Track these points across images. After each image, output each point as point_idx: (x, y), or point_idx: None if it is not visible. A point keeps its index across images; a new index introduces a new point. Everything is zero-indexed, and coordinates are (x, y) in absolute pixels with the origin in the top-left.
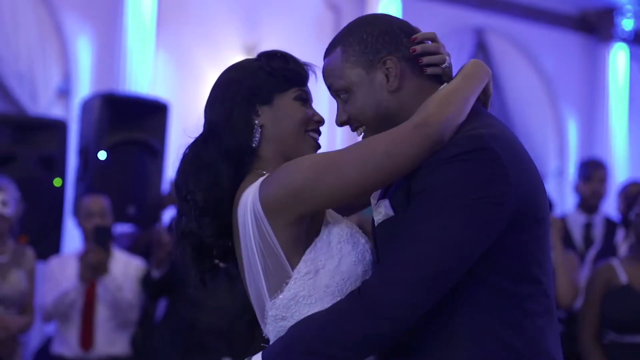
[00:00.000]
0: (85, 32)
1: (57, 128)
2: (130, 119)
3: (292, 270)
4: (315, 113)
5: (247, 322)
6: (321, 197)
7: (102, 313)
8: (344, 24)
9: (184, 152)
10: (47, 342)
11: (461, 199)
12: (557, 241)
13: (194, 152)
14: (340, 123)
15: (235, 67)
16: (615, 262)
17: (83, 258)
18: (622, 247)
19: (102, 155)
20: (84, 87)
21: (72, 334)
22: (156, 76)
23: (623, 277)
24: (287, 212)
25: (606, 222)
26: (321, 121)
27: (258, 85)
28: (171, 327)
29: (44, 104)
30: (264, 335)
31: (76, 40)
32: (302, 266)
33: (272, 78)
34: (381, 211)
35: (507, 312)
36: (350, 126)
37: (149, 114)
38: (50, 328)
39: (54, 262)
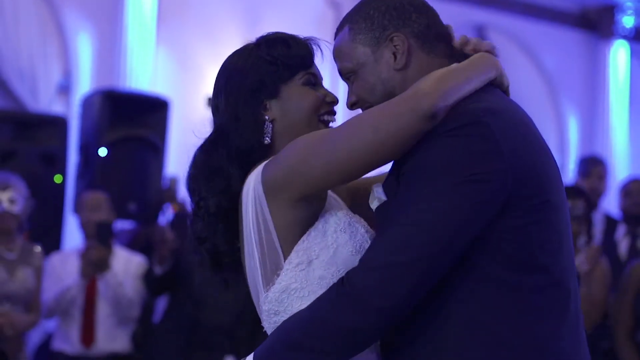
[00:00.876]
0: (86, 29)
1: (58, 125)
2: (131, 116)
3: (284, 260)
4: (327, 93)
5: (250, 319)
6: (313, 176)
7: (103, 310)
8: None
9: (194, 156)
10: (47, 339)
11: (447, 178)
12: None
13: (204, 157)
14: (350, 105)
15: (234, 61)
16: None
17: (84, 254)
18: (622, 244)
19: (102, 151)
20: (85, 83)
21: (73, 330)
22: (157, 73)
23: None
24: (284, 192)
25: (606, 219)
26: (334, 101)
27: (261, 80)
28: (173, 325)
29: (44, 100)
30: (264, 332)
31: (77, 37)
32: (294, 256)
33: (275, 68)
34: (375, 196)
35: (506, 304)
36: (361, 108)
37: (150, 111)
38: (51, 324)
39: (54, 258)
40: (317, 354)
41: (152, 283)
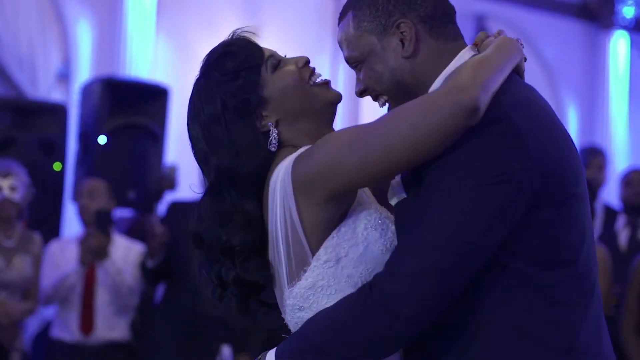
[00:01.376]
0: (86, 17)
1: (57, 112)
2: (130, 104)
3: (312, 257)
4: (297, 60)
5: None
6: (348, 176)
7: (102, 297)
8: None
9: (199, 210)
10: (46, 327)
11: (475, 179)
12: None
13: (213, 208)
14: (359, 94)
15: (198, 109)
16: None
17: (83, 242)
18: (622, 235)
19: (102, 139)
20: (84, 71)
21: (72, 318)
22: (156, 61)
23: None
24: (317, 191)
25: (606, 210)
26: (304, 60)
27: (241, 100)
28: (170, 314)
29: (44, 88)
30: (261, 323)
31: (76, 24)
32: (322, 253)
33: (241, 81)
34: (395, 193)
35: (534, 300)
36: (370, 96)
37: (149, 99)
38: (49, 312)
39: (54, 245)
40: (341, 359)
41: (147, 272)
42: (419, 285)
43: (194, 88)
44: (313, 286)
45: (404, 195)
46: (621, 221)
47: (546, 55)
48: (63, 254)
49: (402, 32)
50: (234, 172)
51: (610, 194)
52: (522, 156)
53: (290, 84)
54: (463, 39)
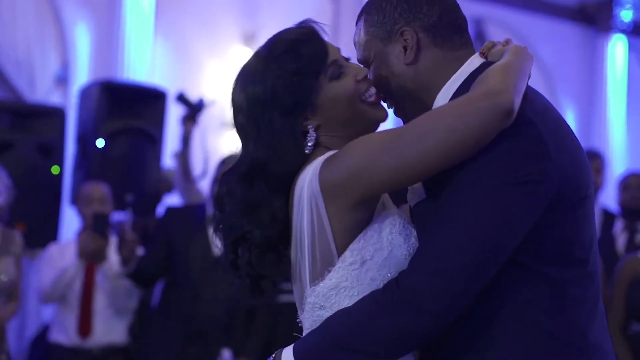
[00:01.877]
0: (84, 20)
1: (56, 115)
2: (129, 107)
3: (338, 258)
4: (355, 73)
5: (245, 312)
6: (379, 180)
7: (100, 301)
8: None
9: (226, 190)
10: (44, 330)
11: (500, 179)
12: None
13: (241, 192)
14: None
15: (252, 87)
16: None
17: (81, 237)
18: (620, 238)
19: (100, 142)
20: (83, 74)
21: (70, 321)
22: (155, 64)
23: None
24: (346, 196)
25: (604, 213)
26: (365, 75)
27: (295, 104)
28: (168, 318)
29: (42, 91)
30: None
31: (75, 27)
32: (348, 255)
33: (298, 82)
34: (415, 193)
35: (550, 298)
36: (380, 97)
37: (148, 102)
38: (47, 315)
39: (52, 248)
40: (365, 356)
41: (133, 278)
42: (444, 282)
43: (251, 60)
44: (336, 287)
45: (424, 197)
46: (619, 225)
47: (544, 58)
48: (62, 257)
49: (405, 40)
50: (268, 167)
51: (608, 197)
52: (544, 158)
53: (343, 98)
54: (472, 47)
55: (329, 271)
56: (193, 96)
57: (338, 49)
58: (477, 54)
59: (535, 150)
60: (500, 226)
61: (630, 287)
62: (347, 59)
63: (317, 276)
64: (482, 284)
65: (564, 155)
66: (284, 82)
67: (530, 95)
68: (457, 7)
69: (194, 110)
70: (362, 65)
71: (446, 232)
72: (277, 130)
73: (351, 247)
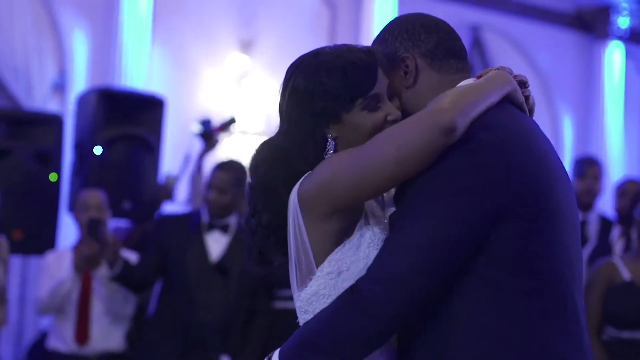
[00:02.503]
0: (81, 27)
1: (53, 123)
2: (126, 114)
3: (317, 267)
4: (388, 112)
5: (242, 318)
6: (342, 192)
7: (97, 308)
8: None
9: (254, 163)
10: (42, 337)
11: (441, 192)
12: None
13: (262, 172)
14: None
15: (299, 79)
16: (616, 260)
17: (77, 248)
18: (618, 245)
19: (97, 150)
20: (80, 82)
21: (68, 328)
22: (152, 71)
23: (626, 274)
24: (316, 207)
25: (601, 220)
26: (397, 118)
27: (323, 107)
28: (166, 324)
29: (39, 98)
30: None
31: (72, 35)
32: (326, 265)
33: (334, 98)
34: (388, 205)
35: (508, 307)
36: None
37: (145, 109)
38: (45, 323)
39: (50, 256)
40: (326, 356)
41: (124, 282)
42: (391, 287)
43: (314, 54)
44: (316, 294)
45: (394, 209)
46: (616, 232)
47: (541, 65)
48: (59, 265)
49: (405, 66)
50: (293, 157)
51: (606, 204)
52: (483, 172)
53: (366, 130)
54: (469, 73)
55: (310, 279)
56: (190, 103)
57: (387, 84)
58: (471, 79)
59: (475, 164)
60: (443, 234)
61: (605, 292)
62: (391, 96)
63: (302, 282)
64: (434, 290)
65: (520, 169)
66: (323, 90)
67: (491, 114)
68: (454, 36)
69: (225, 127)
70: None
71: (396, 240)
72: (303, 127)
73: (329, 257)
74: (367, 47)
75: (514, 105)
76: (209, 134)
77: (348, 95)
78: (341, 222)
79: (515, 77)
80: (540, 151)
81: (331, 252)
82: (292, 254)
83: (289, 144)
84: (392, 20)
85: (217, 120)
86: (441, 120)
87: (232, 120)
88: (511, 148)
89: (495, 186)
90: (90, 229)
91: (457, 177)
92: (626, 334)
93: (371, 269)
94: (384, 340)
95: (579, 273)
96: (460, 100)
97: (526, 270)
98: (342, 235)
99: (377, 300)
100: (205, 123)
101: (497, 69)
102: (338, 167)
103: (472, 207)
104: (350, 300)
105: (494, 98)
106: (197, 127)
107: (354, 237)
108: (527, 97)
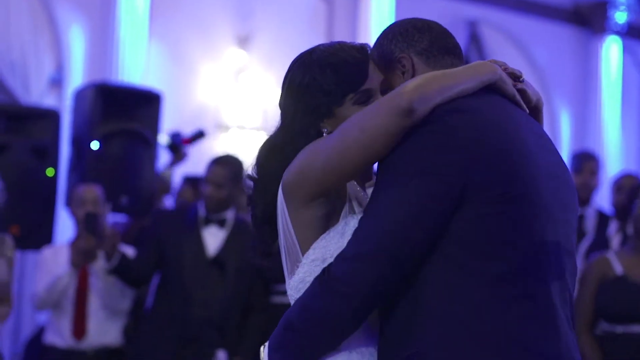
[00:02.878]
0: (78, 22)
1: (50, 118)
2: (123, 109)
3: (302, 255)
4: None
5: (239, 313)
6: (316, 177)
7: (94, 303)
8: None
9: (258, 154)
10: (39, 332)
11: (403, 172)
12: None
13: (261, 165)
14: None
15: (295, 74)
16: (610, 255)
17: (74, 244)
18: (615, 240)
19: (94, 145)
20: (77, 77)
21: (65, 323)
22: (149, 66)
23: (618, 269)
24: (297, 194)
25: (598, 215)
26: None
27: (315, 104)
28: (162, 319)
29: (36, 93)
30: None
31: (69, 30)
32: (311, 252)
33: (326, 94)
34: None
35: (474, 292)
36: None
37: (142, 104)
38: (42, 318)
39: (46, 252)
40: (302, 336)
41: (121, 275)
42: (356, 268)
43: (310, 51)
44: (302, 281)
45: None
46: (613, 226)
47: (539, 60)
48: (56, 260)
49: (402, 66)
50: (285, 149)
51: (603, 198)
52: (446, 154)
53: None
54: None
55: (297, 267)
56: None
57: (381, 80)
58: None
59: (437, 145)
60: (403, 216)
61: (598, 287)
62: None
63: (291, 271)
64: (399, 271)
65: (486, 152)
66: (316, 86)
67: (462, 100)
68: (448, 34)
69: (193, 140)
70: None
71: (365, 221)
72: (299, 122)
73: (314, 245)
74: (360, 45)
75: (504, 98)
76: (177, 147)
77: (340, 91)
78: (323, 208)
79: (506, 69)
80: (517, 139)
81: (316, 240)
82: (282, 243)
83: (285, 138)
84: (386, 28)
85: (186, 134)
86: (399, 102)
87: (201, 134)
88: (478, 131)
89: (458, 168)
90: (87, 224)
91: (420, 159)
92: (619, 329)
93: (342, 251)
94: (356, 321)
95: (560, 263)
96: (425, 84)
97: (490, 255)
98: (326, 222)
99: (343, 280)
100: (174, 136)
101: (489, 61)
102: (311, 153)
103: (434, 188)
104: (321, 281)
105: (469, 85)
106: (165, 139)
107: (339, 225)
108: (522, 92)
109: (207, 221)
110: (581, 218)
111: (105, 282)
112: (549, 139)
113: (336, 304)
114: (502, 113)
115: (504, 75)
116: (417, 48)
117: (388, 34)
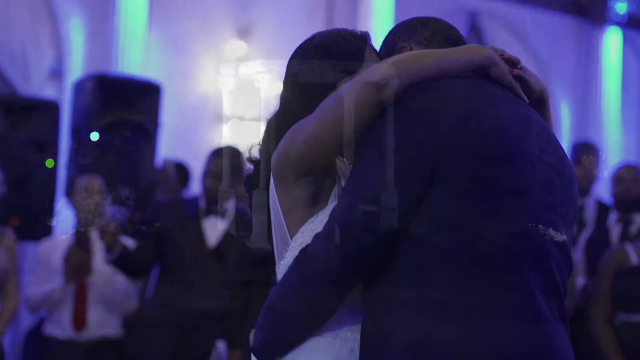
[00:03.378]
0: (78, 14)
1: (50, 109)
2: (123, 101)
3: (291, 238)
4: None
5: (239, 304)
6: (298, 154)
7: (94, 294)
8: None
9: (257, 146)
10: (39, 323)
11: (376, 150)
12: None
13: (259, 150)
14: None
15: (294, 66)
16: (627, 246)
17: (67, 259)
18: (614, 230)
19: (94, 136)
20: (77, 68)
21: (65, 314)
22: (148, 58)
23: (634, 259)
24: (283, 174)
25: (598, 205)
26: None
27: (305, 84)
28: (162, 310)
29: (36, 85)
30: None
31: (69, 21)
32: (299, 236)
33: (322, 79)
34: None
35: (446, 274)
36: None
37: (142, 96)
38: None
39: (45, 245)
40: (281, 316)
41: (121, 267)
42: (326, 245)
43: (310, 38)
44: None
45: None
46: (613, 217)
47: (539, 51)
48: (54, 253)
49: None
50: (283, 132)
51: (603, 189)
52: (417, 131)
53: None
54: None
55: (286, 250)
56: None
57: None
58: None
59: (412, 120)
60: (373, 192)
61: (616, 278)
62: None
63: (281, 255)
64: (367, 248)
65: (455, 133)
66: (312, 69)
67: (452, 80)
68: (451, 27)
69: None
70: None
71: (340, 199)
72: (295, 105)
73: (302, 228)
74: (360, 32)
75: (498, 84)
76: None
77: (335, 75)
78: (309, 188)
79: (503, 55)
80: (496, 123)
81: (304, 224)
82: (273, 227)
83: (282, 120)
84: (392, 28)
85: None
86: (372, 77)
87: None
88: (450, 111)
89: (428, 146)
90: (77, 239)
91: (391, 136)
92: (636, 318)
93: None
94: (333, 300)
95: (543, 252)
96: (403, 60)
97: (460, 237)
98: (314, 204)
99: (316, 258)
100: None
101: (487, 47)
102: (294, 132)
103: (406, 163)
104: (298, 260)
105: (454, 65)
106: None
107: (327, 208)
108: (520, 79)
109: (208, 212)
110: (581, 209)
111: (104, 290)
112: (548, 129)
113: (311, 283)
114: (485, 96)
115: (499, 60)
116: (418, 37)
117: (394, 29)
